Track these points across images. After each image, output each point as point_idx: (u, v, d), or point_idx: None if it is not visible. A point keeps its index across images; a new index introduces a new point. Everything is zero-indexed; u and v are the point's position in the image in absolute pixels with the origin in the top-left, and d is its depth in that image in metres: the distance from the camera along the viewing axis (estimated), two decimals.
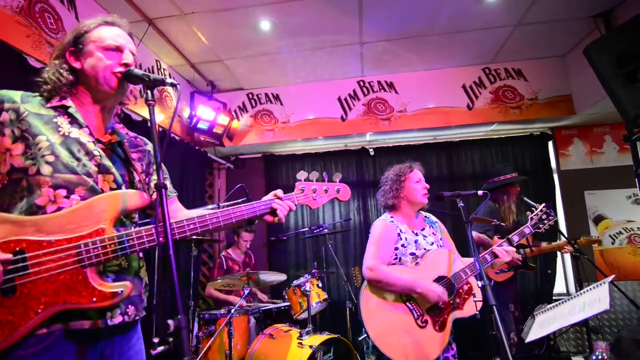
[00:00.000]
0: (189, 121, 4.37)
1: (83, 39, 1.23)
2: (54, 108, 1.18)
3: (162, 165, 1.42)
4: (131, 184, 1.28)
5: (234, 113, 4.81)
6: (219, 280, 3.23)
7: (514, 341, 3.06)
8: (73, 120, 1.18)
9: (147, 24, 3.42)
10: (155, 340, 0.94)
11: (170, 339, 0.93)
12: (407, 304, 2.05)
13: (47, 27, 2.64)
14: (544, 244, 3.41)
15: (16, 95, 1.15)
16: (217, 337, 3.01)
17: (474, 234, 3.13)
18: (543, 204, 2.29)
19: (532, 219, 2.26)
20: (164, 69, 4.11)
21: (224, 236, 4.99)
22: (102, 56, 1.20)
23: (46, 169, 1.08)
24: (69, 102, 1.20)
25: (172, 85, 1.18)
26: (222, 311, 3.21)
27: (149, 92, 1.17)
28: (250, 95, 4.87)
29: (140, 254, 1.30)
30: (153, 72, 3.87)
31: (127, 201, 1.14)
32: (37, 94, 1.20)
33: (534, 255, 3.41)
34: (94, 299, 1.04)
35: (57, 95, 1.19)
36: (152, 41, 3.69)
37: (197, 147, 4.59)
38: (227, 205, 1.45)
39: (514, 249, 2.15)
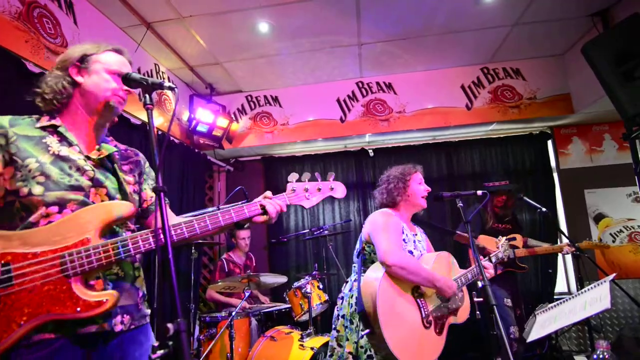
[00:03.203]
0: (188, 124, 4.37)
1: (90, 58, 1.28)
2: (44, 128, 1.20)
3: (152, 174, 1.43)
4: (124, 196, 1.28)
5: (233, 115, 4.81)
6: (219, 283, 3.23)
7: (514, 336, 3.08)
8: (63, 139, 1.21)
9: (146, 28, 3.43)
10: (155, 344, 0.94)
11: (170, 343, 0.93)
12: (418, 300, 1.97)
13: (45, 32, 2.65)
14: (545, 245, 3.46)
15: (4, 120, 1.16)
16: (218, 340, 3.00)
17: (459, 233, 3.26)
18: (504, 238, 2.43)
19: (501, 246, 2.41)
20: (162, 72, 4.11)
21: (225, 238, 4.99)
22: (109, 78, 1.27)
23: (38, 189, 1.11)
24: (58, 122, 1.22)
25: (170, 88, 1.19)
26: (223, 314, 3.21)
27: (147, 95, 1.18)
28: (249, 98, 4.87)
29: (137, 263, 1.30)
30: (152, 76, 3.87)
31: (113, 211, 1.16)
32: (26, 115, 1.22)
33: (530, 256, 3.46)
34: (78, 309, 1.04)
35: (50, 109, 1.23)
36: (150, 45, 3.70)
37: (196, 150, 4.60)
38: (227, 207, 1.44)
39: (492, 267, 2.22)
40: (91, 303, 1.05)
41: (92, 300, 1.06)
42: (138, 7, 3.22)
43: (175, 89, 1.22)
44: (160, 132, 3.92)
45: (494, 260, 2.33)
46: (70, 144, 1.21)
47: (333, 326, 2.16)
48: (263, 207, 1.36)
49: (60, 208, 1.13)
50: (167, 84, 1.19)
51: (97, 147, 1.29)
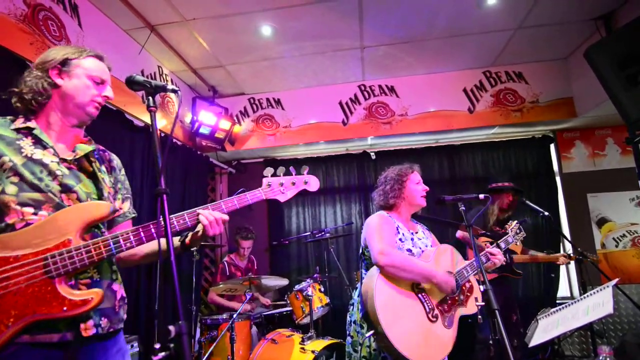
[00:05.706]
0: (191, 126, 4.38)
1: (72, 62, 1.27)
2: (18, 130, 1.19)
3: (127, 183, 1.46)
4: (100, 198, 1.27)
5: (235, 118, 4.82)
6: (221, 285, 3.23)
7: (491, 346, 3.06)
8: (37, 141, 1.19)
9: (149, 31, 3.45)
10: (157, 346, 0.94)
11: (172, 345, 0.94)
12: (419, 295, 1.94)
13: (50, 34, 2.66)
14: (540, 254, 3.47)
15: None
16: (219, 343, 3.00)
17: (460, 232, 3.25)
18: (515, 221, 2.48)
19: (511, 230, 2.44)
20: (165, 75, 4.13)
21: (226, 241, 4.99)
22: (89, 84, 1.27)
23: (11, 189, 1.11)
24: (33, 124, 1.21)
25: (173, 91, 1.21)
26: (224, 316, 3.20)
27: (150, 98, 1.20)
28: (252, 100, 4.88)
29: (115, 266, 1.30)
30: (155, 78, 3.89)
31: (93, 212, 1.17)
32: (2, 117, 1.23)
33: (528, 262, 3.46)
34: (65, 308, 1.05)
35: (26, 109, 1.23)
36: (154, 47, 3.71)
37: (199, 152, 4.61)
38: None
39: (501, 253, 2.22)
40: (77, 302, 1.06)
41: (78, 299, 1.07)
42: (142, 10, 3.24)
43: (178, 91, 1.23)
44: (163, 135, 3.93)
45: (503, 245, 2.29)
46: (44, 147, 1.19)
47: (347, 332, 2.17)
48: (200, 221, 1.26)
49: (36, 209, 1.12)
50: (170, 86, 1.21)
51: (73, 148, 1.27)
